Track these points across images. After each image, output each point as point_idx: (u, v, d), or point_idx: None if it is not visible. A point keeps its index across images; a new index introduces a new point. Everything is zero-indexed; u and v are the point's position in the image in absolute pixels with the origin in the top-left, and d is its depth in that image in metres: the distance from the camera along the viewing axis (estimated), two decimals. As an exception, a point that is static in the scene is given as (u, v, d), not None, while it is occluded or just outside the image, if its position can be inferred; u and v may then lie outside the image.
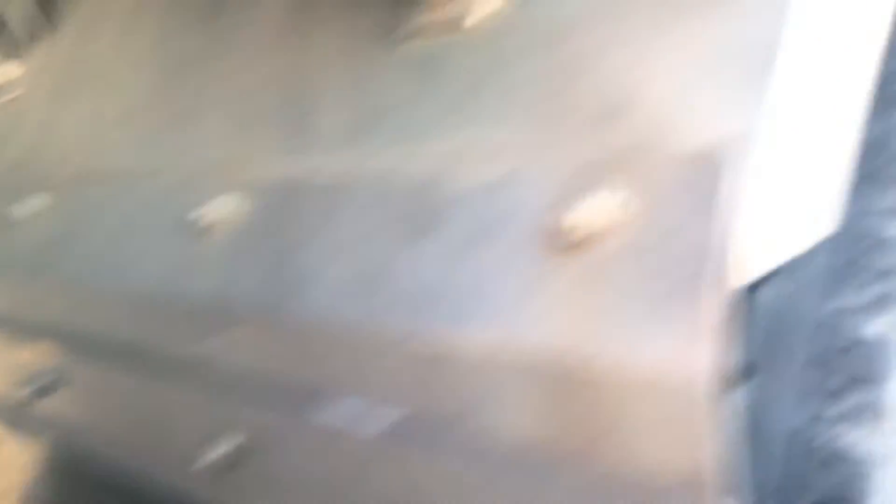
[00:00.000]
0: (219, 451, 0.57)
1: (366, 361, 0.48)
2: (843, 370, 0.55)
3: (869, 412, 0.56)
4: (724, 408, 0.39)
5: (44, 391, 0.65)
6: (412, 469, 0.46)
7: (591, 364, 0.41)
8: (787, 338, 0.55)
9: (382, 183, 0.51)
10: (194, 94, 0.67)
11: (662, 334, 0.39)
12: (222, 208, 0.56)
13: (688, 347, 0.39)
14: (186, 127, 0.65)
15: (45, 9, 0.86)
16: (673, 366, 0.39)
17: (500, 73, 0.52)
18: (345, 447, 0.49)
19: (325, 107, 0.57)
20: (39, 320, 0.66)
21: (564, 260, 0.43)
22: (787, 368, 0.55)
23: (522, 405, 0.42)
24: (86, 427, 0.60)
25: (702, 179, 0.41)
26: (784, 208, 0.45)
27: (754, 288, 0.49)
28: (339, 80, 0.57)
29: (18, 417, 0.68)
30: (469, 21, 0.54)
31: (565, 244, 0.43)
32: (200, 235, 0.58)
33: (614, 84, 0.48)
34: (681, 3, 0.48)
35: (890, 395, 0.56)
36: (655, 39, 0.48)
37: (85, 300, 0.62)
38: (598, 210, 0.42)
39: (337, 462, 0.50)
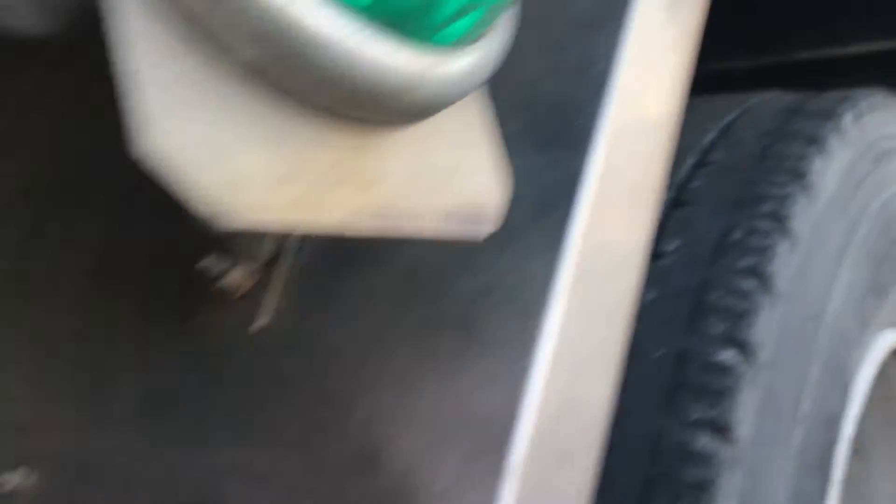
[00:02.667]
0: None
1: None
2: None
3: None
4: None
5: None
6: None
7: None
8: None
9: (167, 482, 0.55)
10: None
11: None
12: (19, 479, 0.58)
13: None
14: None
15: None
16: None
17: (274, 389, 0.55)
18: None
19: (119, 383, 0.60)
20: None
21: None
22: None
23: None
24: None
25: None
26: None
27: None
28: (135, 356, 0.60)
29: None
30: (255, 326, 0.57)
31: None
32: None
33: (366, 434, 0.53)
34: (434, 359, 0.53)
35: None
36: (408, 391, 0.53)
37: None
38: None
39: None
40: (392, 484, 0.50)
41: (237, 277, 0.59)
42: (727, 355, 0.71)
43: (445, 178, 0.49)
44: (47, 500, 0.57)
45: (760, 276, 0.74)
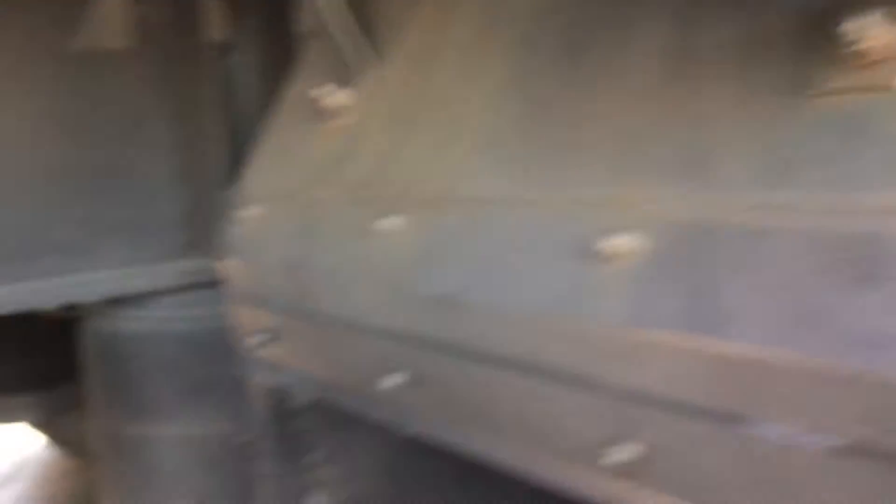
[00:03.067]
0: (621, 454, 0.62)
1: (801, 392, 0.51)
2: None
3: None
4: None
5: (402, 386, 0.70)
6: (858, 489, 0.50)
7: None
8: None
9: (812, 230, 0.55)
10: (564, 131, 0.70)
11: None
12: (624, 240, 0.59)
13: None
14: (560, 161, 0.68)
15: (371, 40, 0.92)
16: None
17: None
18: (768, 460, 0.54)
19: (725, 153, 0.59)
20: (398, 327, 0.74)
21: None
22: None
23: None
24: (443, 421, 0.64)
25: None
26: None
27: None
28: (738, 130, 0.60)
29: (367, 405, 0.76)
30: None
31: None
32: (602, 263, 0.61)
33: None
34: None
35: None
36: None
37: (456, 312, 0.68)
38: None
39: (759, 473, 0.55)
40: None
41: (877, 38, 0.56)
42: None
43: None
44: (666, 261, 0.57)
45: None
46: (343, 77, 0.93)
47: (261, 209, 0.98)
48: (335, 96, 0.92)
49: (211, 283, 1.32)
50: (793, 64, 0.61)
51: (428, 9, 0.89)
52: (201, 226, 1.32)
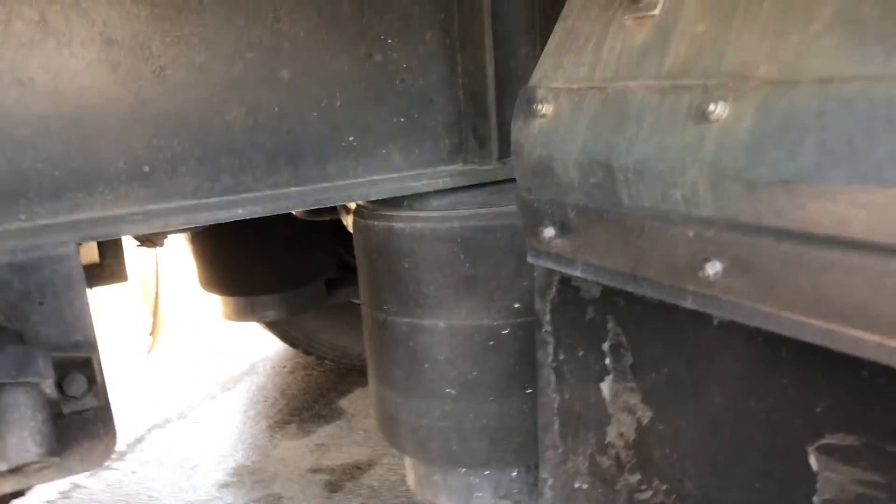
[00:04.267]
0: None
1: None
2: None
3: None
4: None
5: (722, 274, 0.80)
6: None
7: None
8: None
9: None
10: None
11: None
12: None
13: None
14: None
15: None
16: None
17: None
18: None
19: None
20: (724, 215, 0.77)
21: None
22: None
23: None
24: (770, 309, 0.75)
25: None
26: None
27: None
28: None
29: (675, 294, 0.85)
30: None
31: None
32: None
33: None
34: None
35: None
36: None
37: (803, 196, 0.69)
38: None
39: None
40: None
41: None
42: None
43: None
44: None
45: None
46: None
47: (555, 104, 1.01)
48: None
49: (481, 185, 1.38)
50: None
51: None
52: (475, 129, 1.38)
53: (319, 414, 3.59)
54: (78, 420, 0.98)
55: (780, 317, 0.76)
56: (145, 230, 1.14)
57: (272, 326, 3.87)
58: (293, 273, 3.08)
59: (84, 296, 1.05)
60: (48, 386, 0.89)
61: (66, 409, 0.96)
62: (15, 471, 0.91)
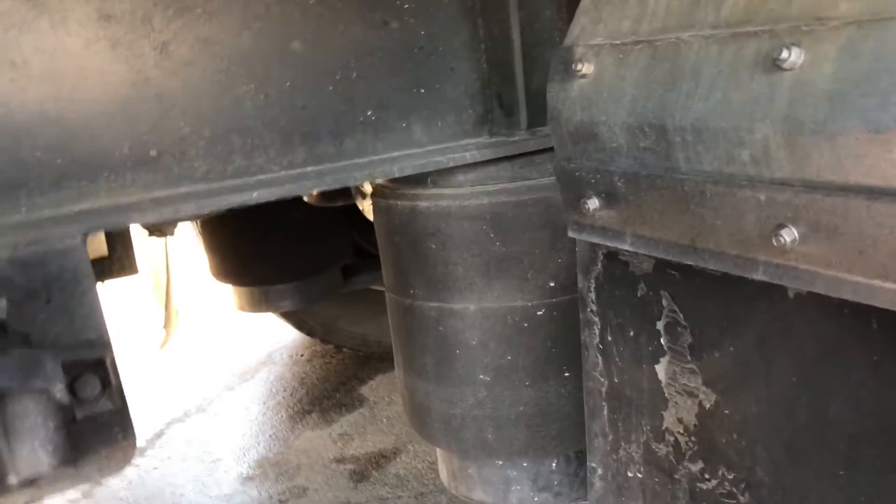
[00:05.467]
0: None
1: None
2: None
3: None
4: None
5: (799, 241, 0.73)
6: None
7: None
8: None
9: None
10: None
11: None
12: None
13: None
14: None
15: None
16: None
17: None
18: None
19: None
20: (799, 174, 0.70)
21: None
22: None
23: None
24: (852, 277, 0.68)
25: None
26: None
27: None
28: None
29: (741, 265, 0.78)
30: None
31: None
32: None
33: None
34: None
35: None
36: None
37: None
38: None
39: None
40: None
41: None
42: None
43: None
44: None
45: None
46: None
47: (597, 63, 0.92)
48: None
49: (510, 157, 1.29)
50: None
51: None
52: (501, 98, 1.29)
53: (340, 402, 3.53)
54: (93, 425, 0.91)
55: (870, 286, 0.67)
56: (155, 218, 1.07)
57: (287, 316, 3.80)
58: (308, 261, 3.01)
59: (94, 291, 0.97)
60: (59, 391, 0.82)
61: (79, 414, 0.89)
62: (28, 483, 0.84)
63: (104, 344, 0.93)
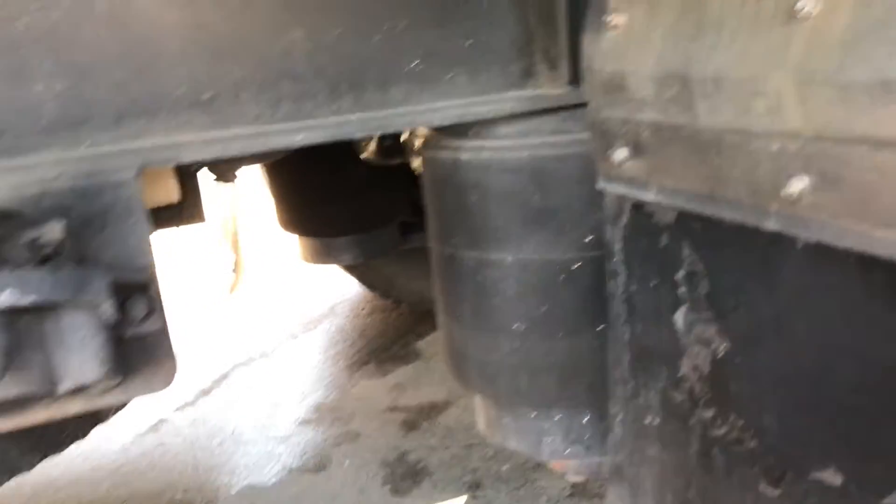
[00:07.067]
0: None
1: None
2: None
3: None
4: None
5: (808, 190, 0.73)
6: None
7: None
8: None
9: None
10: None
11: None
12: None
13: None
14: None
15: None
16: None
17: None
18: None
19: None
20: (812, 125, 0.71)
21: None
22: None
23: None
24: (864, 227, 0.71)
25: None
26: None
27: None
28: None
29: (756, 214, 0.80)
30: None
31: None
32: None
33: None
34: None
35: None
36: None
37: None
38: None
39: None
40: None
41: None
42: None
43: None
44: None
45: None
46: None
47: (628, 15, 0.93)
48: None
49: (552, 111, 1.31)
50: None
51: None
52: (546, 51, 1.31)
53: (396, 355, 3.62)
54: (139, 344, 0.98)
55: (873, 235, 0.68)
56: (205, 156, 1.13)
57: (351, 269, 3.90)
58: (367, 216, 3.08)
59: (144, 222, 1.04)
60: (107, 308, 0.89)
61: (127, 333, 0.96)
62: (79, 391, 0.92)
63: (150, 271, 1.00)
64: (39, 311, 0.86)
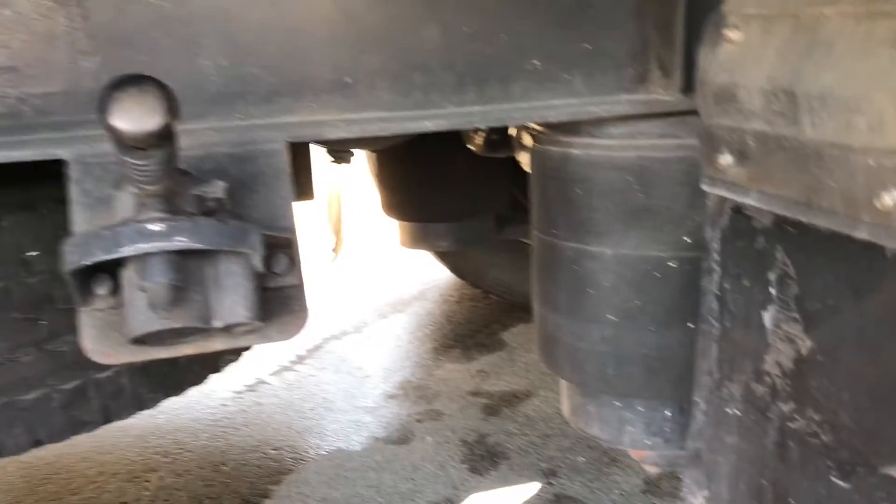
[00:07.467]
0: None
1: None
2: None
3: None
4: None
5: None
6: None
7: None
8: None
9: None
10: None
11: None
12: None
13: None
14: None
15: None
16: None
17: None
18: None
19: None
20: None
21: None
22: None
23: None
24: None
25: None
26: None
27: None
28: None
29: (852, 224, 0.86)
30: None
31: None
32: None
33: None
34: None
35: None
36: None
37: None
38: None
39: None
40: None
41: None
42: None
43: None
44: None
45: None
46: None
47: (745, 31, 1.01)
48: None
49: (662, 115, 1.39)
50: None
51: None
52: (660, 59, 1.39)
53: (482, 343, 3.73)
54: (279, 294, 1.11)
55: (957, 249, 0.75)
56: (344, 135, 1.26)
57: (443, 257, 4.03)
58: (466, 205, 3.19)
59: (288, 188, 1.18)
60: (258, 259, 1.02)
61: (269, 284, 1.10)
62: (225, 330, 1.06)
63: (292, 230, 1.14)
64: (203, 255, 1.00)
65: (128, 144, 0.85)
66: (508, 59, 1.35)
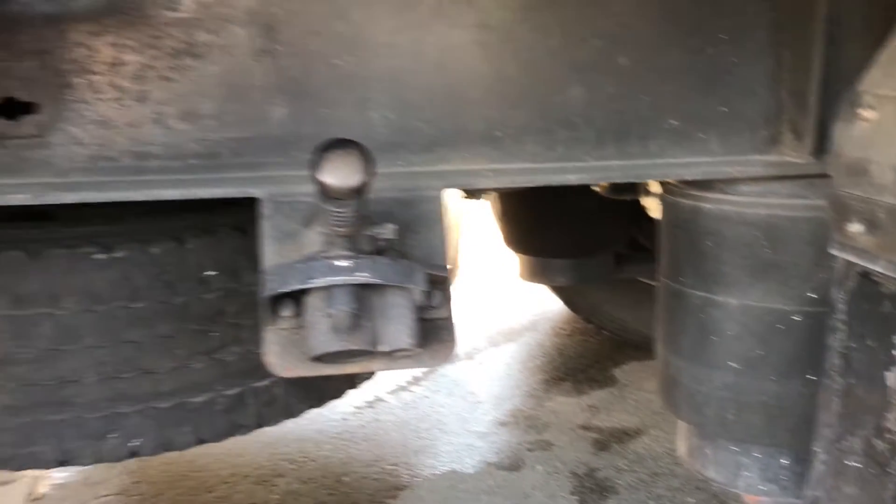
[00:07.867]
0: None
1: None
2: None
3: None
4: None
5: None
6: None
7: None
8: None
9: None
10: None
11: None
12: None
13: None
14: None
15: None
16: None
17: None
18: None
19: None
20: None
21: None
22: None
23: None
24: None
25: None
26: None
27: None
28: None
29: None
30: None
31: None
32: None
33: None
34: None
35: None
36: None
37: None
38: None
39: None
40: None
41: None
42: None
43: None
44: None
45: None
46: None
47: (879, 111, 1.08)
48: None
49: (792, 177, 1.46)
50: None
51: None
52: (793, 123, 1.46)
53: (593, 378, 3.79)
54: (433, 325, 1.25)
55: None
56: (493, 185, 1.40)
57: (559, 291, 4.12)
58: (586, 243, 3.28)
59: (443, 231, 1.32)
60: (419, 293, 1.17)
61: (425, 315, 1.24)
62: (388, 354, 1.21)
63: (446, 269, 1.28)
64: (374, 287, 1.15)
65: (332, 196, 1.01)
66: (647, 118, 1.46)
